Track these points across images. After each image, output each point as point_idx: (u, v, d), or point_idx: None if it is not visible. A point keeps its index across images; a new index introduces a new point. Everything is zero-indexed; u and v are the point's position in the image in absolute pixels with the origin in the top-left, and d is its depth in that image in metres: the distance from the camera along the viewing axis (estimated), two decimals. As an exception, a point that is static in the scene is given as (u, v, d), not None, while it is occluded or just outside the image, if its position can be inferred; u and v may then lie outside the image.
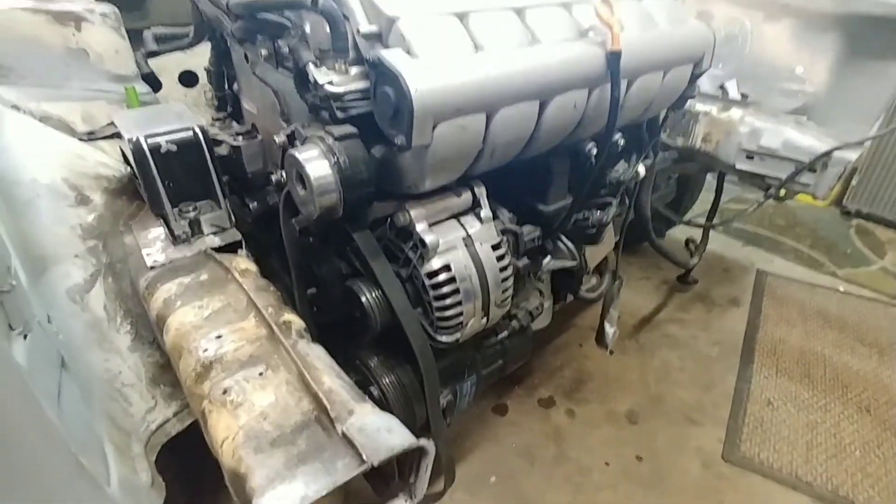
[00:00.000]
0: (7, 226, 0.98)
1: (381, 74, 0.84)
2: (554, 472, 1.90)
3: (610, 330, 1.87)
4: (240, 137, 1.18)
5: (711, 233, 2.73)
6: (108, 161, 1.21)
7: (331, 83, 0.92)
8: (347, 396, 0.80)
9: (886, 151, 3.44)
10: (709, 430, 2.08)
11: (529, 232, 1.21)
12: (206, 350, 0.83)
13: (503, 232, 1.14)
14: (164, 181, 1.07)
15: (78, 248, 1.07)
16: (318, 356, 0.86)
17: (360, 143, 0.93)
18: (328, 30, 0.95)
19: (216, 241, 1.12)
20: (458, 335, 1.07)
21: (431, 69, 0.83)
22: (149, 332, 1.13)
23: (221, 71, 1.37)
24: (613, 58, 1.03)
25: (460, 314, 1.04)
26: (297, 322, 0.92)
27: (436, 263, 1.00)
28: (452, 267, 1.01)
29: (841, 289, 2.97)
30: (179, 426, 1.17)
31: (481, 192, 1.08)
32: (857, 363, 2.42)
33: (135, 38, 1.55)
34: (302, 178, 0.92)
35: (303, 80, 0.96)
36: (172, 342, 0.88)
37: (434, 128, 0.85)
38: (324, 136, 0.93)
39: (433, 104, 0.82)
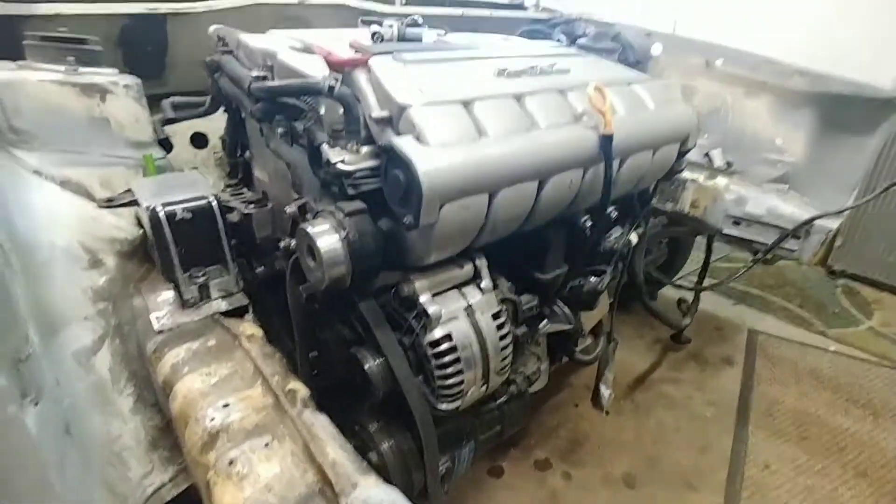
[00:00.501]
0: (23, 288, 1.01)
1: (392, 158, 0.90)
2: (551, 540, 1.87)
3: (606, 392, 1.89)
4: (251, 205, 1.24)
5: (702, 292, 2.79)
6: (122, 224, 1.26)
7: (343, 162, 0.98)
8: (352, 468, 0.81)
9: (868, 214, 3.58)
10: (707, 496, 2.05)
11: (528, 301, 1.26)
12: (212, 419, 0.85)
13: (502, 301, 1.18)
14: (177, 247, 1.11)
15: (88, 310, 1.10)
16: (322, 426, 0.87)
17: (369, 218, 0.98)
18: (342, 112, 1.02)
19: (224, 305, 1.15)
20: (458, 403, 1.09)
21: (439, 155, 0.90)
22: (151, 394, 1.14)
23: (236, 140, 1.44)
24: (606, 140, 1.11)
25: (461, 383, 1.07)
26: (302, 390, 0.94)
27: (438, 333, 1.04)
28: (454, 336, 1.05)
29: (832, 349, 3.01)
30: (175, 491, 1.16)
31: (482, 263, 1.13)
32: (852, 425, 2.43)
33: (154, 103, 1.64)
34: (312, 250, 0.97)
35: (316, 158, 1.03)
36: (179, 410, 0.89)
37: (440, 208, 0.91)
38: (334, 211, 0.98)
39: (440, 187, 0.88)
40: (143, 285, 1.20)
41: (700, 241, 2.89)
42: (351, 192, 0.99)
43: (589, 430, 2.35)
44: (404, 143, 0.89)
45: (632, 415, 2.46)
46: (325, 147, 0.99)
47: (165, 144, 1.68)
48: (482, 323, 1.10)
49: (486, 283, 1.13)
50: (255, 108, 1.07)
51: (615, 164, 1.18)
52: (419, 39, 1.38)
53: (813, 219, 1.96)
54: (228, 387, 0.92)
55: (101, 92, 1.33)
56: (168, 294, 1.17)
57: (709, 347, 2.95)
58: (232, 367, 0.96)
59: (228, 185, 1.37)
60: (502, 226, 1.07)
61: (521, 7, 3.09)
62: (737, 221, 2.18)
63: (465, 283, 1.13)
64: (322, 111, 1.05)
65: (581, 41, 1.67)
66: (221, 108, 1.57)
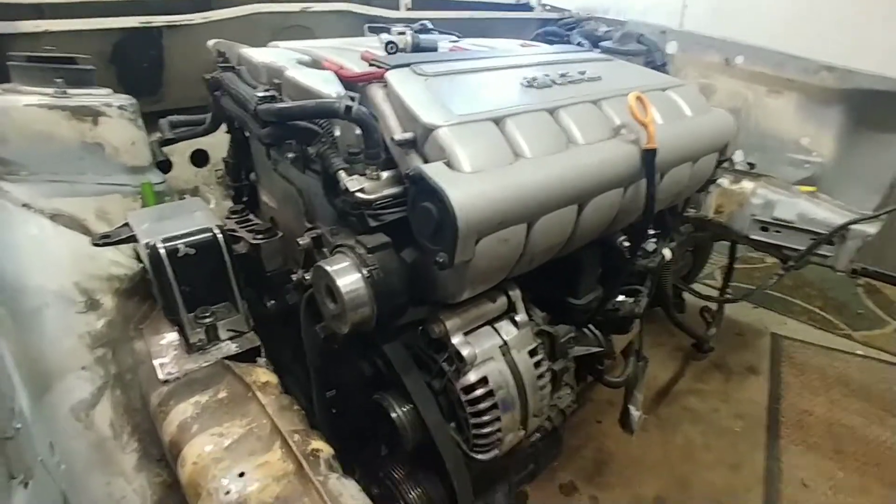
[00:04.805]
0: (11, 342, 0.91)
1: (421, 189, 0.80)
2: (582, 572, 1.76)
3: (635, 413, 1.78)
4: (259, 235, 1.14)
5: (722, 296, 2.69)
6: (120, 258, 1.16)
7: (362, 191, 0.88)
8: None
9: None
10: (744, 519, 1.95)
11: (565, 332, 1.15)
12: (228, 492, 0.75)
13: (538, 334, 1.08)
14: (180, 287, 1.01)
15: (85, 358, 1.00)
16: (351, 496, 0.77)
17: (394, 253, 0.88)
18: (359, 134, 0.92)
19: (233, 347, 1.05)
20: (495, 452, 0.99)
21: (474, 183, 0.79)
22: (157, 448, 1.03)
23: (240, 161, 1.34)
24: (649, 155, 1.01)
25: (499, 430, 0.97)
26: (325, 450, 0.84)
27: (473, 377, 0.94)
28: (490, 380, 0.95)
29: (859, 352, 2.90)
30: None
31: (516, 295, 1.03)
32: (889, 436, 2.32)
33: (150, 121, 1.54)
34: (332, 291, 0.87)
35: (332, 186, 0.93)
36: (189, 478, 0.79)
37: (477, 243, 0.81)
38: (354, 246, 0.88)
39: (477, 221, 0.78)
40: (144, 326, 1.10)
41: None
42: (372, 223, 0.89)
43: (614, 448, 2.25)
44: (435, 172, 0.78)
45: (657, 431, 2.35)
46: (342, 174, 0.89)
47: (164, 165, 1.58)
48: (519, 362, 1.00)
49: (521, 316, 1.02)
50: (262, 133, 0.97)
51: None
52: (434, 48, 1.28)
53: (850, 223, 1.85)
54: (244, 450, 0.81)
55: (94, 115, 1.23)
56: (172, 335, 1.07)
57: (732, 355, 2.85)
58: (246, 425, 0.85)
59: (233, 212, 1.27)
60: (540, 255, 0.96)
61: (527, 8, 2.98)
62: (764, 227, 2.07)
63: (499, 318, 1.02)
64: (337, 133, 0.94)
65: (605, 44, 1.56)
66: (223, 127, 1.46)
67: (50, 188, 1.17)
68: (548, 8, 2.95)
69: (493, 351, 0.98)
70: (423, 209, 0.80)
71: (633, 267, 1.32)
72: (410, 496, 1.09)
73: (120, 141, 1.28)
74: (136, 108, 1.33)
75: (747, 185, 2.11)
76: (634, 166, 1.02)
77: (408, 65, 1.04)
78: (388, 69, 1.01)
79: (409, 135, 0.88)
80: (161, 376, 0.98)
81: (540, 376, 1.03)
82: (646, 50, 1.62)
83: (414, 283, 0.92)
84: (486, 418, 0.95)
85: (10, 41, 1.33)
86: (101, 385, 1.00)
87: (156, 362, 1.00)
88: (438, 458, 0.98)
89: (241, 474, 0.77)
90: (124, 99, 1.31)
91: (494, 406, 0.95)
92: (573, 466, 2.14)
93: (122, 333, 1.06)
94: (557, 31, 1.94)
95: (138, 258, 1.15)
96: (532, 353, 1.02)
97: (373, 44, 1.37)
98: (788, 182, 2.13)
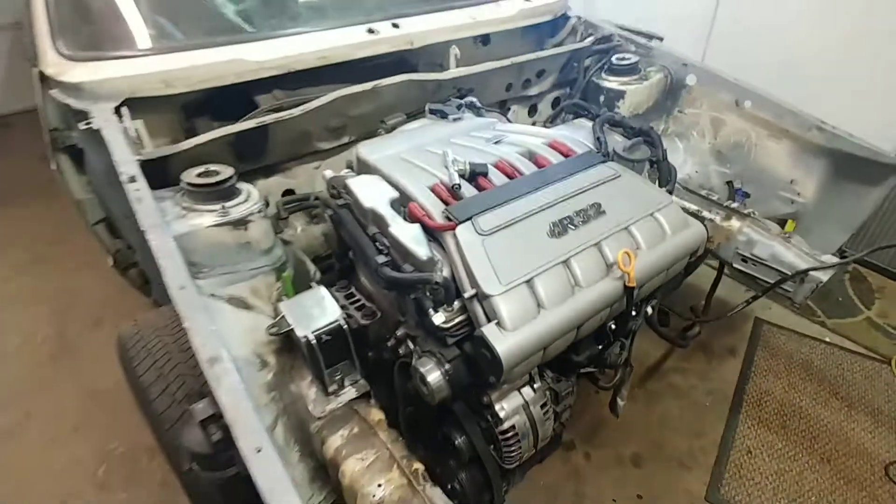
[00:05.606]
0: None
1: (480, 343, 1.35)
2: (573, 510, 2.49)
3: (621, 403, 2.40)
4: (366, 317, 1.71)
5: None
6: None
7: (444, 322, 1.44)
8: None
9: (886, 201, 3.78)
10: (697, 474, 2.64)
11: (566, 388, 1.74)
12: (374, 495, 1.40)
13: (547, 390, 1.67)
14: (323, 358, 1.61)
15: (265, 400, 1.63)
16: (440, 497, 1.41)
17: (462, 361, 1.46)
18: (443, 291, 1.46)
19: (354, 392, 1.67)
20: (517, 463, 1.63)
21: (514, 340, 1.34)
22: (307, 447, 1.70)
23: (343, 248, 1.88)
24: (629, 291, 1.52)
25: (520, 452, 1.60)
26: (420, 468, 1.48)
27: (506, 426, 1.55)
28: (516, 427, 1.56)
29: (827, 339, 3.41)
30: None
31: (535, 370, 1.60)
32: (828, 416, 2.92)
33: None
34: (423, 381, 1.46)
35: (422, 314, 1.48)
36: (348, 485, 1.45)
37: (513, 370, 1.38)
38: (437, 355, 1.45)
39: (515, 362, 1.34)
40: (293, 372, 1.72)
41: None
42: (449, 341, 1.46)
43: (607, 414, 2.87)
44: (491, 335, 1.33)
45: (643, 402, 3.00)
46: (431, 312, 1.44)
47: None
48: (534, 413, 1.60)
49: (537, 384, 1.61)
50: (381, 283, 1.51)
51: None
52: (485, 171, 1.73)
53: (808, 269, 2.32)
54: (376, 469, 1.45)
55: (245, 223, 1.76)
56: (311, 382, 1.68)
57: (716, 338, 3.39)
58: (375, 453, 1.49)
59: (341, 287, 1.83)
60: (550, 358, 1.53)
61: (564, 18, 3.22)
62: (744, 259, 2.54)
63: (523, 385, 1.61)
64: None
65: (617, 146, 1.98)
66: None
67: (222, 279, 1.74)
68: (582, 21, 3.18)
69: (518, 409, 1.58)
70: (482, 353, 1.36)
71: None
72: (462, 476, 1.75)
73: (259, 235, 1.82)
74: (263, 203, 1.85)
75: (735, 223, 2.55)
76: (620, 296, 1.53)
77: (469, 218, 1.53)
78: (457, 224, 1.51)
79: (473, 292, 1.41)
80: (315, 413, 1.62)
81: (547, 419, 1.63)
82: (649, 153, 2.02)
83: (473, 369, 1.50)
84: (512, 448, 1.57)
85: (174, 157, 1.85)
86: (276, 416, 1.64)
87: (308, 405, 1.64)
88: (481, 464, 1.63)
89: (380, 485, 1.41)
90: (258, 201, 1.82)
91: (518, 441, 1.57)
92: (574, 429, 2.83)
93: (282, 380, 1.69)
94: (586, 105, 2.31)
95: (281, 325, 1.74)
96: (543, 405, 1.62)
97: (435, 148, 1.82)
98: (770, 221, 2.56)
